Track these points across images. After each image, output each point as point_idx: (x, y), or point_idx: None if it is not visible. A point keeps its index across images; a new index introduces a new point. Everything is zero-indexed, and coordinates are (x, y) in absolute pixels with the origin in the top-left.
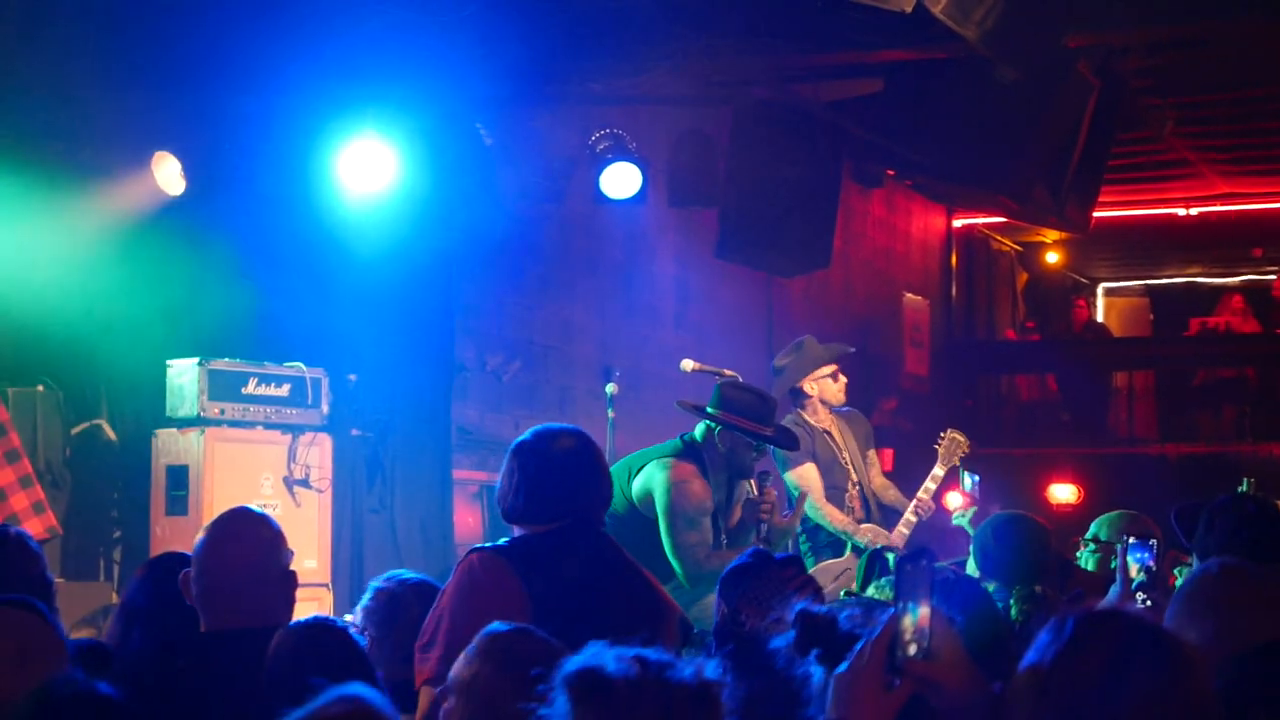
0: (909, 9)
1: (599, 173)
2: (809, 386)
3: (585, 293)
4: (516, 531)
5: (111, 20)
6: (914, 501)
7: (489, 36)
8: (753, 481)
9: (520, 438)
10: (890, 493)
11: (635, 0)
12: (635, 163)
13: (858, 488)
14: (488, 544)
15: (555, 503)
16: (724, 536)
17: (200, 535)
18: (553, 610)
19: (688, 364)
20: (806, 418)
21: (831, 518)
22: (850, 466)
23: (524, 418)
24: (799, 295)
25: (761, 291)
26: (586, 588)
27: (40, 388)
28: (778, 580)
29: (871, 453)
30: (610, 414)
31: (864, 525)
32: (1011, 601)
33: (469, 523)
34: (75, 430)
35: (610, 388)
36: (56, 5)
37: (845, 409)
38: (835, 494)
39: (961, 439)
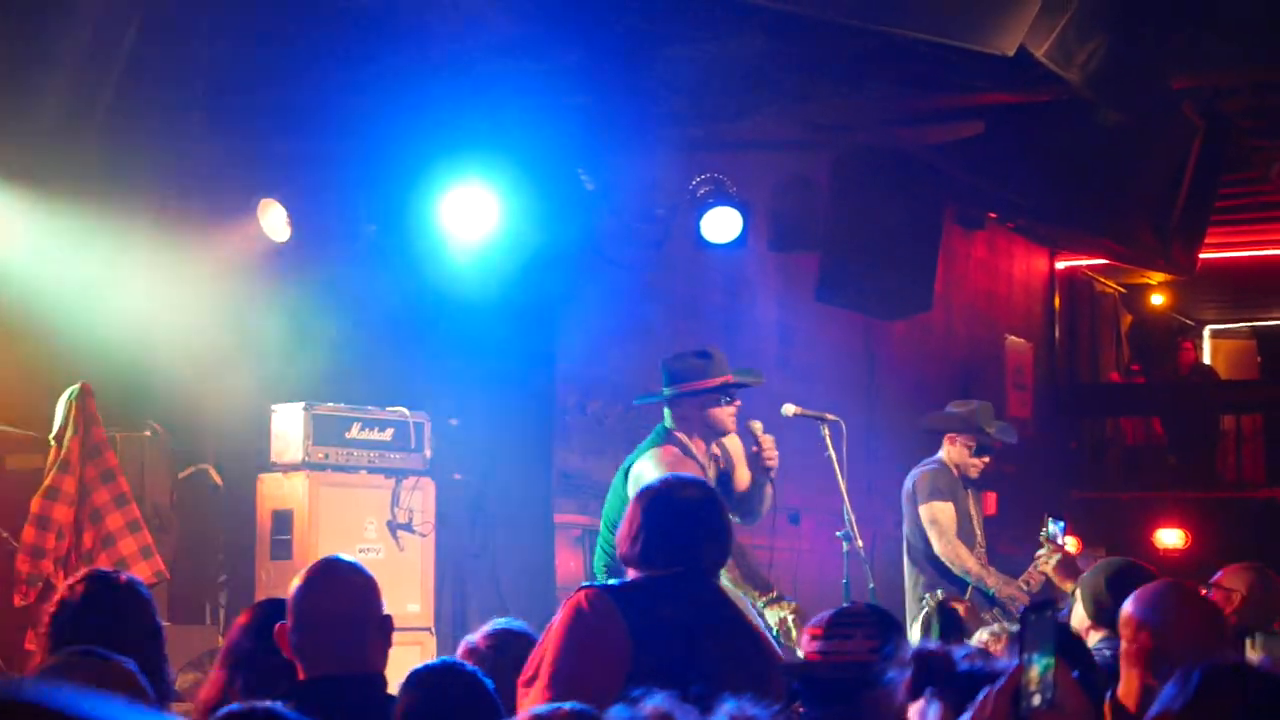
0: (1011, 52)
1: (700, 217)
2: (956, 442)
3: (686, 337)
4: (629, 575)
5: (219, 70)
6: (1044, 559)
7: (590, 82)
8: (746, 432)
9: (647, 483)
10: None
11: (736, 45)
12: (736, 207)
13: (983, 549)
14: (598, 583)
15: (672, 551)
16: (738, 503)
17: (294, 584)
18: (655, 655)
19: (789, 408)
20: (948, 462)
21: (963, 560)
22: (976, 525)
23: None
24: (900, 338)
25: (862, 335)
26: (692, 636)
27: (147, 432)
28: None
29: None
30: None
31: (997, 574)
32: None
33: (571, 567)
34: (181, 474)
35: None
36: (165, 55)
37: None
38: (965, 541)
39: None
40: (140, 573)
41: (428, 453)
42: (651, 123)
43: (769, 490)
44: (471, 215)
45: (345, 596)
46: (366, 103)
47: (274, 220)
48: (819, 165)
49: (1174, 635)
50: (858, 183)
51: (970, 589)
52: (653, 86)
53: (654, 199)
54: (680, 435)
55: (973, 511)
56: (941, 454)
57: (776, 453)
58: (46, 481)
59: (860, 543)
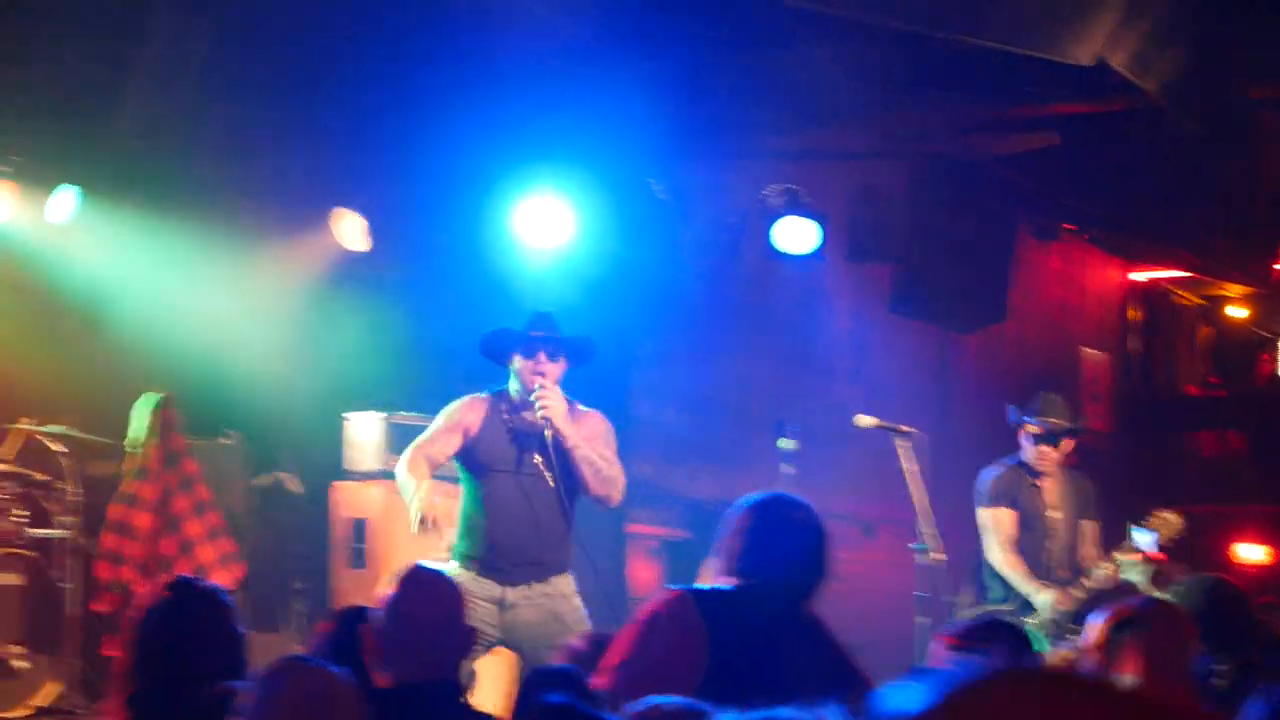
0: (1090, 62)
1: (773, 227)
2: (1020, 435)
3: (759, 347)
4: (725, 581)
5: (294, 81)
6: (1100, 568)
7: (664, 92)
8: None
9: (756, 496)
10: (1099, 570)
11: (811, 55)
12: (810, 217)
13: (1064, 551)
14: (685, 585)
15: (767, 564)
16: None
17: (387, 590)
18: (731, 661)
19: (863, 419)
20: (1026, 461)
21: (1011, 566)
22: (1056, 526)
23: (699, 472)
24: (974, 350)
25: (937, 346)
26: (772, 647)
27: (225, 440)
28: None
29: (1085, 523)
30: (786, 469)
31: (1046, 584)
32: (1216, 667)
33: (645, 577)
34: (258, 482)
35: (784, 443)
36: (243, 67)
37: (1077, 471)
38: (1028, 546)
39: (1173, 519)
40: (219, 579)
41: None
42: (724, 133)
43: (580, 457)
44: (545, 224)
45: (434, 605)
46: (441, 113)
47: (349, 229)
48: (894, 175)
49: None
50: (932, 193)
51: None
52: (726, 97)
53: (727, 209)
54: (503, 393)
55: (1049, 509)
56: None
57: (547, 396)
58: (126, 489)
59: (938, 556)
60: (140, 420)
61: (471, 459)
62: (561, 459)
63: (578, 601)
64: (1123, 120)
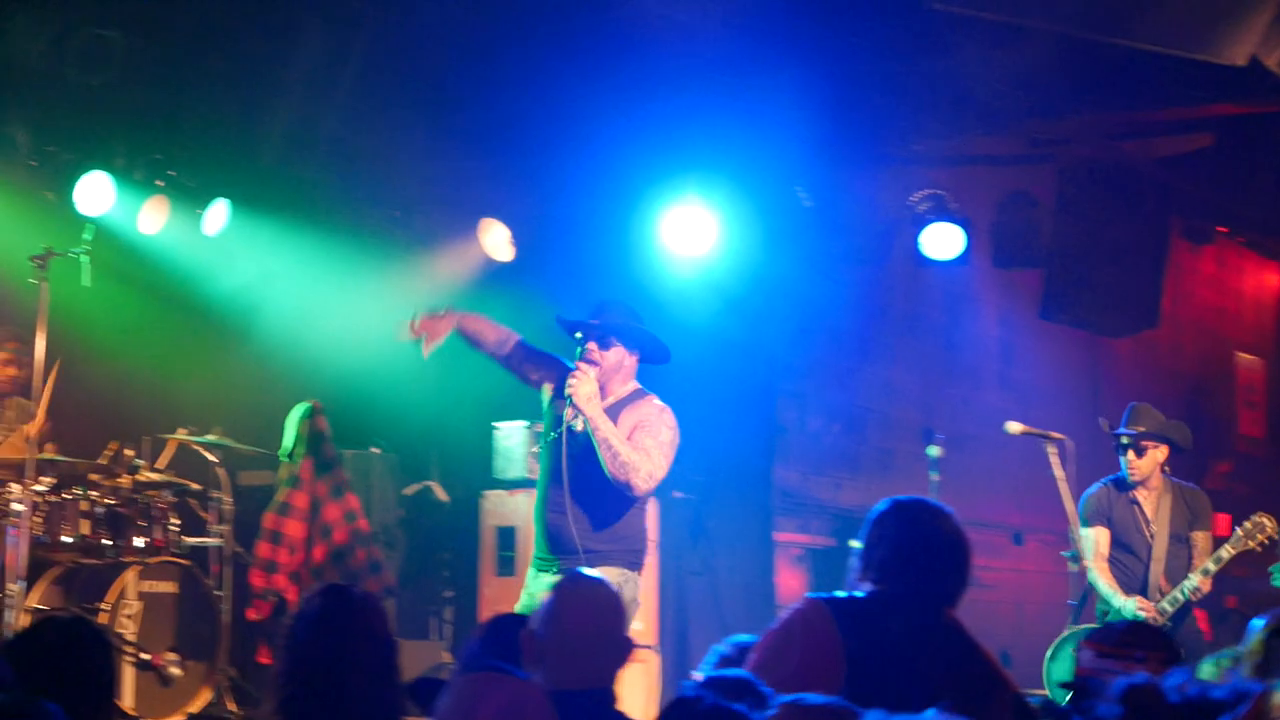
0: (1244, 62)
1: (920, 233)
2: (1116, 448)
3: (907, 354)
4: (864, 588)
5: (441, 92)
6: (1189, 578)
7: (808, 100)
8: None
9: (894, 501)
10: (1188, 581)
11: (956, 60)
12: (957, 223)
13: (1167, 563)
14: (823, 594)
15: (908, 571)
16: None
17: (544, 597)
18: (869, 669)
19: (1014, 426)
20: (1126, 477)
21: (1099, 574)
22: (1156, 539)
23: (846, 480)
24: (1126, 355)
25: (1087, 352)
26: (911, 655)
27: (375, 449)
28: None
29: (1196, 534)
30: (934, 476)
31: (1133, 595)
32: None
33: (792, 585)
34: (407, 491)
35: (933, 450)
36: (392, 80)
37: (1188, 484)
38: (1129, 560)
39: (1269, 523)
40: (369, 587)
41: None
42: (871, 139)
43: (600, 439)
44: (691, 233)
45: (592, 613)
46: (586, 123)
47: (496, 239)
48: (1042, 180)
49: None
50: (1082, 197)
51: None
52: (872, 102)
53: (873, 216)
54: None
55: (1147, 523)
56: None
57: (577, 377)
58: (279, 497)
59: (1088, 563)
60: (292, 430)
61: (540, 411)
62: (584, 446)
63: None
64: (1277, 121)
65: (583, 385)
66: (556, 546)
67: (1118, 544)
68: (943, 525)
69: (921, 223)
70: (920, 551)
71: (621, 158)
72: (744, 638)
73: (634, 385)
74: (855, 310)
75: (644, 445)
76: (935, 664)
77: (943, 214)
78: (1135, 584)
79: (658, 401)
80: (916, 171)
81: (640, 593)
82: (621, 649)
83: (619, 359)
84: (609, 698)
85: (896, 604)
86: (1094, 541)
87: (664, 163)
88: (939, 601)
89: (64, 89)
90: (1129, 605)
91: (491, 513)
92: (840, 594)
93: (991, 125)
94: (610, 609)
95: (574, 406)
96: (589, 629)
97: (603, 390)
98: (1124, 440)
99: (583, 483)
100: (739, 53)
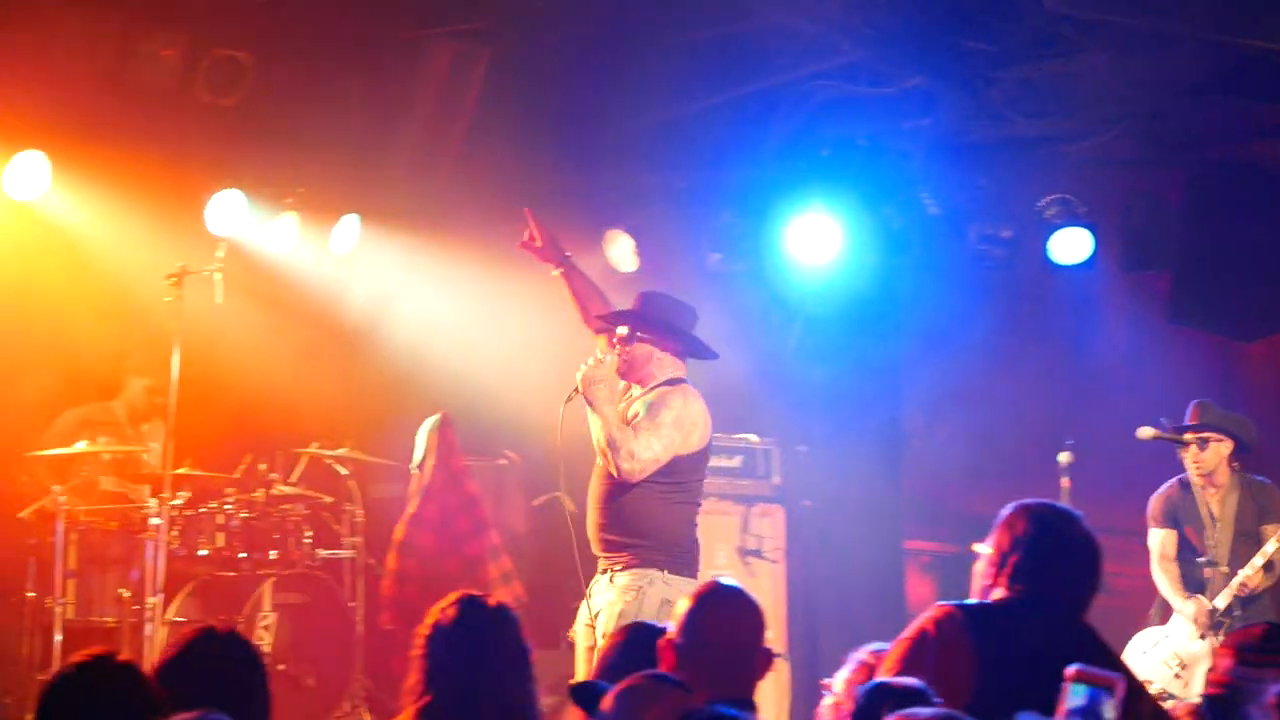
0: None
1: (1048, 238)
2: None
3: (1034, 360)
4: (995, 593)
5: (566, 106)
6: (1243, 573)
7: (933, 105)
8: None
9: (1029, 502)
10: (1242, 575)
11: (1082, 62)
12: (1085, 227)
13: (1235, 558)
14: (955, 601)
15: (1041, 576)
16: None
17: (685, 604)
18: (1001, 676)
19: (1145, 431)
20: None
21: (1162, 573)
22: (1222, 534)
23: (975, 488)
24: (1259, 360)
25: (1218, 356)
26: (1044, 661)
27: (503, 460)
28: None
29: (1267, 527)
30: (1064, 483)
31: (1193, 597)
32: None
33: (921, 592)
34: (536, 501)
35: (1063, 456)
36: (514, 95)
37: (1258, 478)
38: (1197, 559)
39: None
40: (500, 597)
41: (777, 479)
42: (995, 144)
43: (592, 418)
44: (815, 241)
45: (732, 622)
46: (709, 133)
47: (621, 250)
48: (1171, 182)
49: None
50: (1212, 199)
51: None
52: (996, 107)
53: (999, 221)
54: None
55: (1213, 520)
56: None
57: (588, 363)
58: (409, 509)
59: (1224, 569)
60: (422, 442)
61: None
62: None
63: (622, 600)
64: None
65: (591, 370)
66: (596, 545)
67: (1186, 544)
68: (1075, 530)
69: (1049, 227)
70: (1054, 556)
71: (746, 167)
72: (881, 645)
73: (669, 376)
74: (982, 316)
75: (637, 426)
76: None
77: (1071, 218)
78: (1204, 583)
79: (685, 385)
80: (1044, 176)
81: (679, 593)
82: (761, 658)
83: (648, 352)
84: (749, 707)
85: (1029, 610)
86: (1159, 543)
87: (787, 171)
88: (1072, 607)
89: (196, 110)
90: (1187, 607)
91: None
92: (971, 601)
93: (1120, 128)
94: (750, 617)
95: (578, 389)
96: (729, 637)
97: (638, 383)
98: (1186, 437)
99: (603, 477)
100: (861, 60)
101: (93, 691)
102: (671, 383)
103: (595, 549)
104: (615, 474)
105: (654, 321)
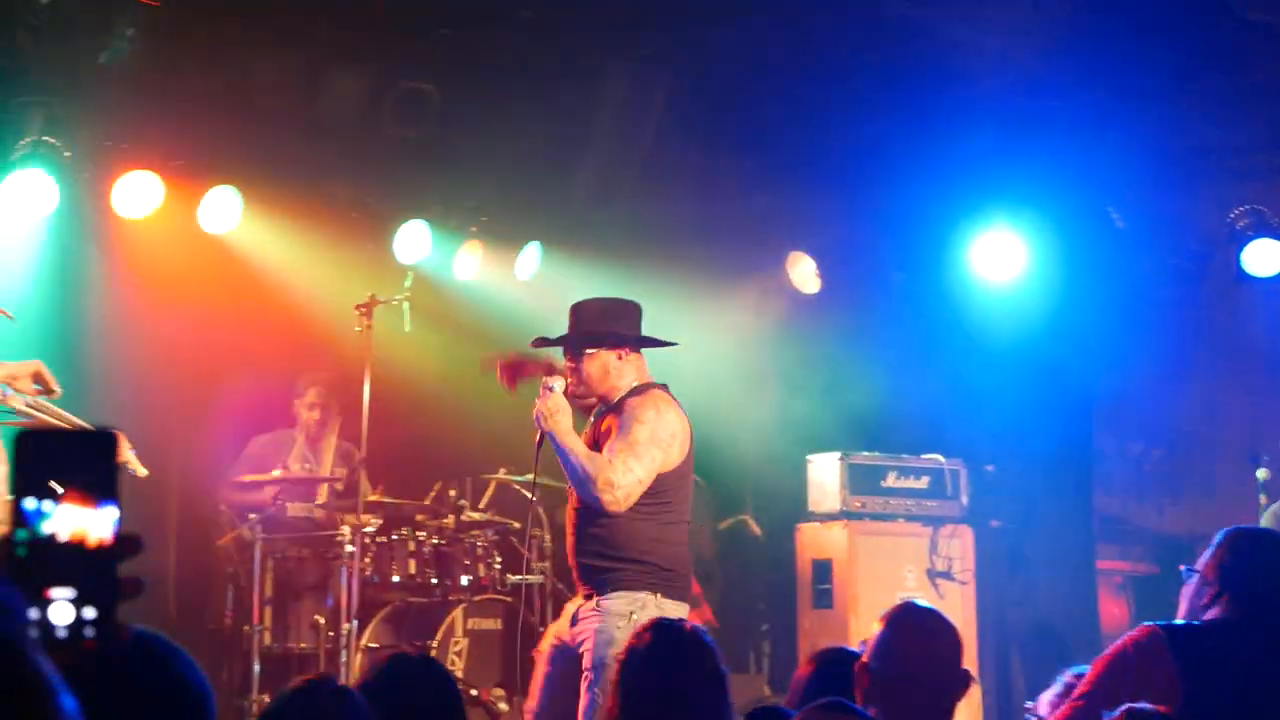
0: None
1: (1240, 250)
2: None
3: (1228, 375)
4: (1202, 616)
5: (749, 127)
6: None
7: (1120, 119)
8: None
9: (1244, 527)
10: None
11: (1275, 70)
12: (1277, 238)
13: None
14: (1161, 622)
15: (1255, 601)
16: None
17: (878, 627)
18: (1207, 701)
19: None
20: None
21: None
22: None
23: (1168, 506)
24: None
25: None
26: (1256, 685)
27: None
28: None
29: None
30: (1261, 500)
31: None
32: None
33: (1114, 614)
34: (723, 525)
35: (1260, 473)
36: (698, 116)
37: None
38: None
39: None
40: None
41: (964, 500)
42: (1184, 155)
43: (559, 458)
44: (1001, 258)
45: (927, 644)
46: (890, 151)
47: (803, 272)
48: None
49: None
50: None
51: None
52: (1186, 119)
53: (1190, 234)
54: None
55: None
56: None
57: (537, 401)
58: None
59: None
60: None
61: None
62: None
63: (614, 627)
64: None
65: (541, 405)
66: (579, 570)
67: None
68: None
69: (1242, 239)
70: (1266, 581)
71: (929, 186)
72: (1082, 668)
73: (634, 383)
74: (1173, 331)
75: (611, 449)
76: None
77: (1263, 229)
78: None
79: (654, 393)
80: (1234, 186)
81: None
82: (959, 681)
83: (602, 364)
84: None
85: (1239, 634)
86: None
87: (971, 188)
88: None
89: (381, 141)
90: None
91: (807, 545)
92: (1175, 622)
93: None
94: (946, 639)
95: (540, 427)
96: (926, 661)
97: (604, 399)
98: None
99: (580, 503)
100: (1045, 75)
101: (312, 716)
102: (639, 391)
103: (578, 574)
104: (598, 508)
105: (593, 332)
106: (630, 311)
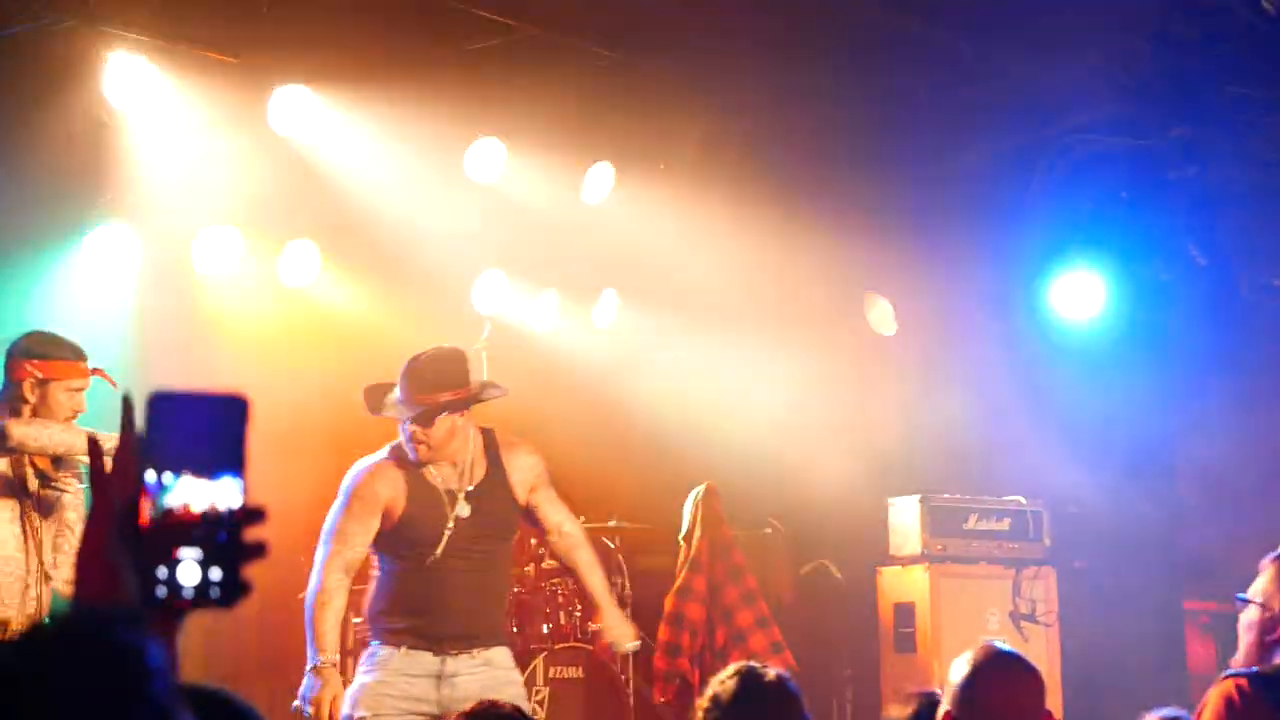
0: None
1: None
2: None
3: None
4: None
5: (824, 168)
6: None
7: (1197, 155)
8: None
9: None
10: None
11: None
12: None
13: None
14: (1244, 670)
15: None
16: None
17: (963, 671)
18: None
19: None
20: None
21: None
22: None
23: (1254, 545)
24: None
25: None
26: None
27: (768, 529)
28: None
29: None
30: None
31: None
32: None
33: (1201, 655)
34: (802, 570)
35: None
36: (778, 156)
37: None
38: None
39: None
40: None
41: (1047, 541)
42: (1265, 190)
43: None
44: (1079, 297)
45: (1012, 688)
46: (967, 191)
47: (881, 314)
48: None
49: None
50: None
51: None
52: (1264, 152)
53: (1272, 269)
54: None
55: None
56: None
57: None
58: (678, 581)
59: None
60: (688, 512)
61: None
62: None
63: (516, 676)
64: None
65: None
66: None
67: None
68: None
69: None
70: None
71: (1006, 227)
72: (1174, 711)
73: (480, 426)
74: (1256, 368)
75: (551, 500)
76: None
77: None
78: None
79: (513, 441)
80: None
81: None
82: None
83: (447, 425)
84: None
85: None
86: None
87: (1050, 229)
88: None
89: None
90: None
91: (888, 589)
92: (1253, 669)
93: None
94: (1030, 683)
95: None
96: (1009, 705)
97: (455, 452)
98: None
99: (495, 561)
100: (1122, 112)
101: None
102: (488, 432)
103: (471, 630)
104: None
105: (422, 398)
106: (454, 361)
